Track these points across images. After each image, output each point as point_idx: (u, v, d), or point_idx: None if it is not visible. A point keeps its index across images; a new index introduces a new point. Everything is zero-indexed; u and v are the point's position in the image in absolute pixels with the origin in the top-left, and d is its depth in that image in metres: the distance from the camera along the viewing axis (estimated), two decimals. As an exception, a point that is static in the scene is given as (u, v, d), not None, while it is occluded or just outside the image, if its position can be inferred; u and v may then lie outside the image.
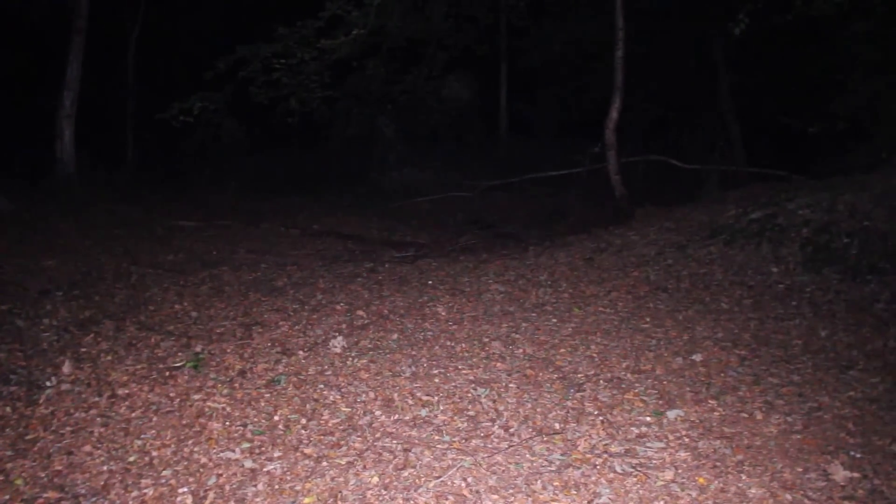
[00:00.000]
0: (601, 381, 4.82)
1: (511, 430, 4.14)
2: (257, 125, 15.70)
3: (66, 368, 4.87)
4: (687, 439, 4.01)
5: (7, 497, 3.47)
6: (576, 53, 15.58)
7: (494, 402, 4.52)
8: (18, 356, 5.14)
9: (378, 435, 4.09)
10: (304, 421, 4.27)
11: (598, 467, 3.72)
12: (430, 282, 7.13)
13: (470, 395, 4.62)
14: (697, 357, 5.16)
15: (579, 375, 4.93)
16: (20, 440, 4.01)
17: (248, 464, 3.80)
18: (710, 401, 4.48)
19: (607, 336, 5.66)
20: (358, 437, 4.07)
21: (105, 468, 3.76)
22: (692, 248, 7.59)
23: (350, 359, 5.16)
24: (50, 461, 3.81)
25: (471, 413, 4.37)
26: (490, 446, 3.96)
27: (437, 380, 4.84)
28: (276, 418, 4.30)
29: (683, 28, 14.17)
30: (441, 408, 4.44)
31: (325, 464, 3.78)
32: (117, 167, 15.31)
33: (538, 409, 4.42)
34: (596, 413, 4.35)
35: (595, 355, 5.28)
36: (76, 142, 13.07)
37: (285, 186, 14.02)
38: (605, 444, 3.95)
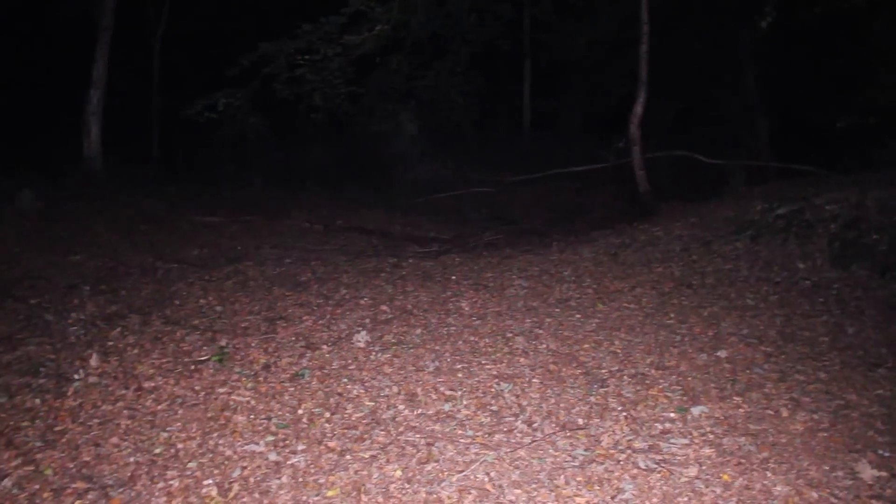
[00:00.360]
0: (625, 377, 4.80)
1: (534, 425, 4.14)
2: (281, 121, 15.75)
3: (94, 361, 4.93)
4: (711, 436, 3.98)
5: (37, 487, 3.52)
6: (599, 48, 15.50)
7: (518, 397, 4.52)
8: (47, 349, 5.20)
9: (401, 429, 4.10)
10: (327, 415, 4.29)
11: (621, 463, 3.71)
12: (453, 277, 7.14)
13: (493, 389, 4.62)
14: (722, 353, 5.13)
15: (603, 371, 4.92)
16: (49, 431, 4.06)
17: (273, 457, 3.82)
18: (735, 397, 4.45)
19: (631, 332, 5.63)
20: (381, 430, 4.08)
21: (132, 460, 3.80)
22: (717, 243, 7.53)
23: (374, 353, 5.18)
24: (78, 452, 3.86)
25: (494, 408, 4.38)
26: (513, 441, 3.96)
27: (460, 374, 4.85)
28: (300, 412, 4.33)
29: (709, 22, 14.03)
30: (464, 402, 4.45)
31: (348, 457, 3.80)
32: (143, 163, 15.46)
33: (561, 405, 4.41)
34: (619, 409, 4.34)
35: (619, 351, 5.26)
36: (103, 139, 13.23)
37: (309, 182, 14.05)
38: (629, 440, 3.94)
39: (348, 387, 4.65)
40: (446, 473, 3.63)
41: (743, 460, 3.71)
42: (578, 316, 6.01)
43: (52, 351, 5.17)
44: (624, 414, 4.27)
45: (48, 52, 16.20)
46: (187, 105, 11.77)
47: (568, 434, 4.04)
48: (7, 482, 3.54)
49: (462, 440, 3.97)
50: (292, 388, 4.62)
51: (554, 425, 4.15)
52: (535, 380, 4.77)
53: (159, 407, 4.38)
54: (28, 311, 6.00)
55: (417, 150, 16.03)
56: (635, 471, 3.64)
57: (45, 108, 15.70)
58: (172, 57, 17.29)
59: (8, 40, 16.06)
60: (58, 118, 14.92)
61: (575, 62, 16.54)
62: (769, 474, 3.57)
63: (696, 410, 4.28)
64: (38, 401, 4.39)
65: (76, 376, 4.71)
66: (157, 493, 3.50)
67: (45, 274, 7.17)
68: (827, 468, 3.63)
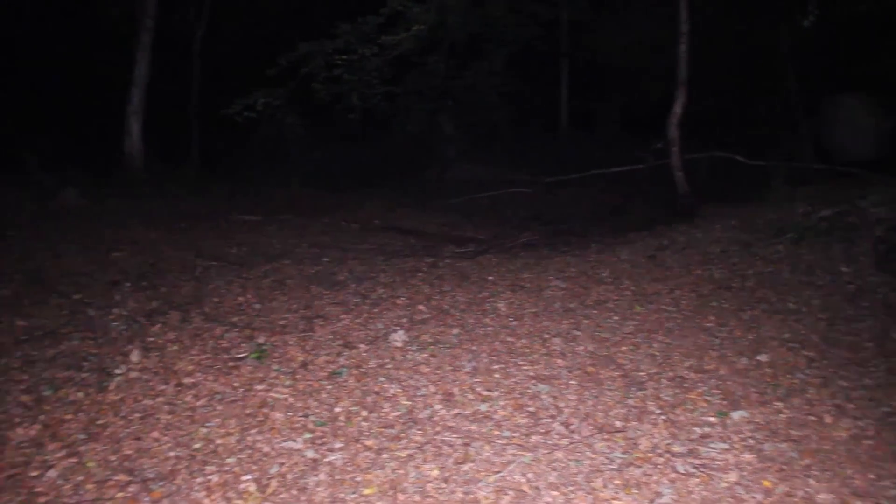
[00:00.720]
0: (663, 380, 4.76)
1: (571, 427, 4.12)
2: (318, 121, 15.86)
3: (135, 357, 4.99)
4: (752, 441, 3.93)
5: (80, 478, 3.58)
6: (638, 48, 15.37)
7: (555, 398, 4.50)
8: (90, 344, 5.28)
9: (438, 429, 4.10)
10: (364, 413, 4.31)
11: (659, 467, 3.67)
12: (490, 277, 7.12)
13: (530, 391, 4.61)
14: (763, 357, 5.06)
15: (641, 374, 4.88)
16: (92, 425, 4.12)
17: (310, 454, 3.85)
18: (776, 402, 4.38)
19: (670, 334, 5.58)
20: (418, 430, 4.09)
21: (172, 454, 3.84)
22: (758, 246, 7.43)
23: (410, 353, 5.19)
24: (120, 446, 3.91)
25: (531, 409, 4.36)
26: (550, 443, 3.94)
27: (497, 375, 4.84)
28: (337, 410, 4.35)
29: (750, 21, 13.83)
30: (501, 403, 4.44)
31: (385, 456, 3.81)
32: (182, 162, 15.66)
33: (599, 407, 4.39)
34: (658, 412, 4.30)
35: (657, 353, 5.22)
36: (143, 137, 13.43)
37: (346, 181, 14.11)
38: (668, 444, 3.91)
39: (385, 386, 4.66)
40: (483, 474, 3.62)
41: (785, 467, 3.65)
42: (616, 318, 5.97)
43: (95, 346, 5.24)
44: (662, 417, 4.23)
45: (91, 52, 16.48)
46: (226, 104, 11.88)
47: (606, 436, 4.01)
48: (52, 473, 3.61)
49: (499, 441, 3.97)
50: (330, 387, 4.64)
51: (591, 427, 4.12)
52: (572, 381, 4.75)
53: (199, 403, 4.42)
54: (71, 307, 6.10)
55: (454, 151, 16.03)
56: (674, 475, 3.60)
57: (88, 108, 16.00)
58: (212, 57, 17.50)
59: (53, 41, 16.40)
60: (100, 117, 15.18)
61: (612, 62, 16.41)
62: (812, 482, 3.51)
63: (736, 415, 4.23)
64: (81, 394, 4.46)
65: (118, 371, 4.77)
66: (196, 488, 3.54)
67: (88, 270, 7.28)
68: (873, 477, 3.56)
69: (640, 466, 3.68)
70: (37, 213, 9.81)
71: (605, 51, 16.07)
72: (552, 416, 4.26)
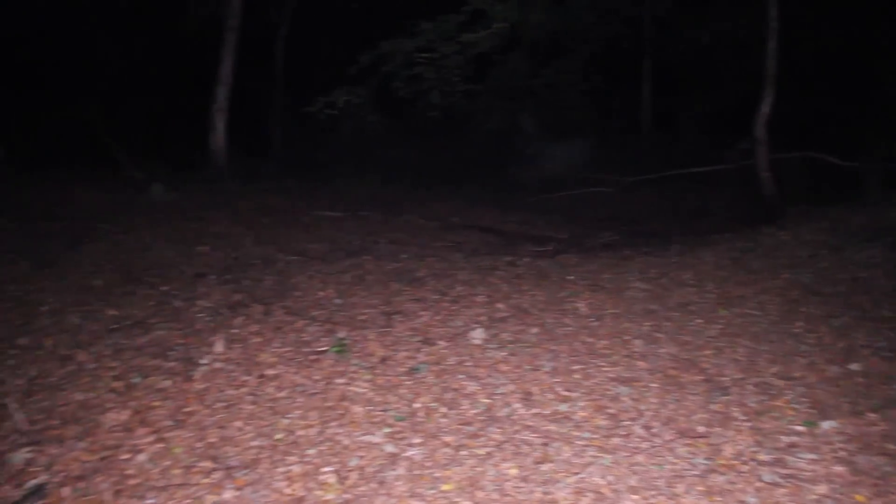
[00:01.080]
0: (748, 386, 4.63)
1: (653, 431, 4.06)
2: (398, 118, 16.00)
3: (219, 348, 5.12)
4: (843, 453, 3.79)
5: (168, 463, 3.70)
6: (724, 45, 14.98)
7: (636, 401, 4.43)
8: (176, 334, 5.45)
9: (517, 427, 4.09)
10: (443, 410, 4.32)
11: (744, 475, 3.58)
12: (570, 277, 7.06)
13: (610, 392, 4.55)
14: (855, 366, 4.87)
15: (725, 379, 4.76)
16: (178, 412, 4.24)
17: (389, 448, 3.88)
18: (869, 414, 4.21)
19: (755, 339, 5.42)
20: (497, 428, 4.08)
21: (254, 443, 3.92)
22: (850, 250, 7.15)
23: (489, 350, 5.18)
24: (205, 433, 4.01)
25: (611, 411, 4.31)
26: (631, 446, 3.89)
27: (577, 376, 4.80)
28: (416, 405, 4.38)
29: (843, 14, 13.33)
30: (581, 404, 4.40)
31: (464, 453, 3.82)
32: (265, 158, 16.02)
33: (681, 411, 4.30)
34: (743, 419, 4.19)
35: (742, 358, 5.08)
36: (227, 134, 13.79)
37: (425, 179, 14.20)
38: (753, 452, 3.80)
39: (464, 383, 4.67)
40: (562, 475, 3.60)
41: (880, 482, 3.51)
42: (699, 321, 5.83)
43: (181, 336, 5.41)
44: (747, 424, 4.12)
45: (178, 51, 17.00)
46: (308, 102, 12.09)
47: (688, 442, 3.93)
48: (142, 457, 3.73)
49: (578, 442, 3.93)
50: (409, 382, 4.67)
51: (673, 432, 4.04)
52: (653, 384, 4.67)
53: (280, 394, 4.50)
54: (159, 298, 6.31)
55: (533, 149, 15.94)
56: (759, 484, 3.50)
57: (175, 106, 16.52)
58: (294, 55, 17.83)
59: (141, 40, 16.99)
60: (187, 115, 15.65)
61: (696, 60, 16.04)
62: (910, 498, 3.37)
63: (825, 425, 4.08)
64: (168, 382, 4.60)
65: (203, 361, 4.90)
66: (278, 477, 3.61)
67: (175, 263, 7.51)
68: (974, 494, 3.40)
69: (723, 474, 3.59)
70: (126, 207, 10.17)
71: (689, 48, 15.72)
72: (633, 419, 4.20)
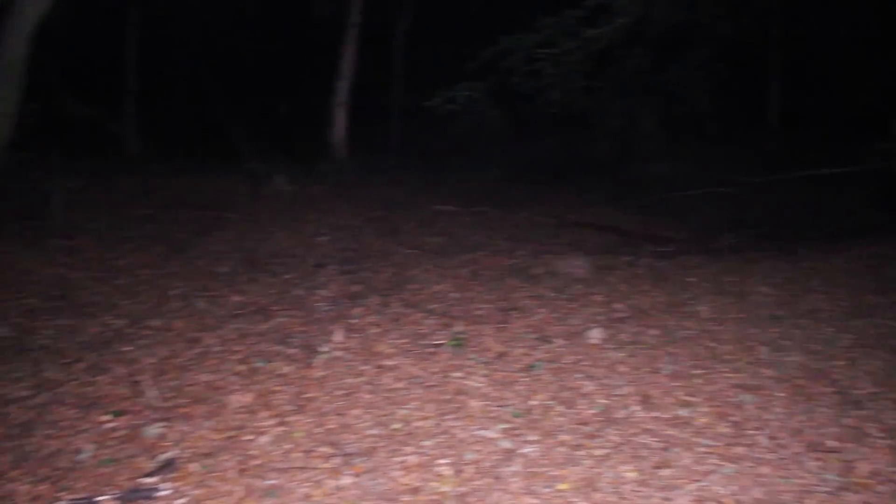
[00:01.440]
0: (885, 401, 4.38)
1: (779, 442, 3.89)
2: (516, 114, 15.94)
3: (338, 337, 5.25)
4: None
5: (289, 447, 3.81)
6: (858, 40, 14.20)
7: (761, 409, 4.26)
8: (297, 322, 5.63)
9: (635, 430, 4.01)
10: (560, 408, 4.28)
11: (882, 495, 3.39)
12: (691, 279, 6.86)
13: (733, 399, 4.40)
14: None
15: (858, 392, 4.52)
16: (299, 397, 4.37)
17: (505, 444, 3.87)
18: None
19: (893, 352, 5.12)
20: (615, 429, 4.01)
21: (372, 432, 3.99)
22: None
23: (608, 351, 5.10)
24: (324, 419, 4.11)
25: (734, 419, 4.16)
26: (755, 456, 3.74)
27: (698, 380, 4.66)
28: (532, 403, 4.35)
29: None
30: (702, 410, 4.27)
31: (581, 453, 3.77)
32: (383, 153, 16.29)
33: (810, 423, 4.11)
34: (879, 436, 3.96)
35: (878, 372, 4.81)
36: (348, 128, 14.11)
37: (542, 175, 14.09)
38: (891, 471, 3.59)
39: (581, 382, 4.61)
40: (682, 481, 3.50)
41: None
42: (830, 330, 5.56)
43: (301, 324, 5.58)
44: (884, 441, 3.89)
45: (301, 48, 17.52)
46: (427, 97, 12.20)
47: (818, 456, 3.75)
48: (264, 439, 3.87)
49: (699, 448, 3.81)
50: (525, 379, 4.66)
51: (801, 444, 3.86)
52: (780, 394, 4.48)
53: (398, 385, 4.57)
54: (280, 286, 6.53)
55: (654, 147, 15.55)
56: (898, 506, 3.31)
57: (297, 101, 17.06)
58: (414, 50, 18.04)
59: (268, 39, 17.62)
60: (308, 110, 16.13)
61: (831, 55, 15.27)
62: None
63: (972, 446, 3.81)
64: (289, 368, 4.75)
65: (322, 349, 5.04)
66: (394, 466, 3.65)
67: (295, 252, 7.76)
68: None
69: (857, 492, 3.41)
70: (250, 198, 10.56)
71: (821, 43, 14.98)
72: (757, 429, 4.04)
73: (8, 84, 7.73)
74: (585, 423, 4.09)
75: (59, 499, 3.26)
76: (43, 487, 3.35)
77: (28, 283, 6.22)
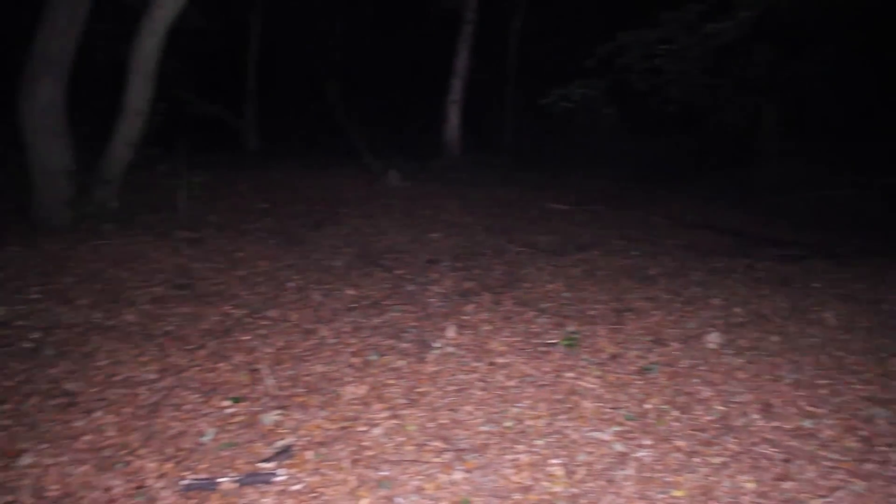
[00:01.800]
0: None
1: (915, 461, 3.66)
2: (630, 112, 15.67)
3: (451, 333, 5.28)
4: None
5: (402, 439, 3.85)
6: None
7: (894, 425, 4.02)
8: (410, 316, 5.69)
9: (755, 439, 3.85)
10: (675, 413, 4.16)
11: None
12: (816, 284, 6.56)
13: (863, 413, 4.17)
14: None
15: None
16: (412, 391, 4.41)
17: (618, 447, 3.80)
18: None
19: None
20: (733, 437, 3.87)
21: (484, 429, 3.98)
22: None
23: (726, 356, 4.93)
24: (436, 414, 4.13)
25: (863, 433, 3.94)
26: (888, 475, 3.53)
27: (823, 391, 4.44)
28: (646, 406, 4.25)
29: None
30: (827, 422, 4.06)
31: (697, 460, 3.66)
32: (496, 150, 16.31)
33: (950, 443, 3.85)
34: None
35: None
36: (461, 126, 14.20)
37: (656, 174, 13.79)
38: None
39: (698, 388, 4.47)
40: (806, 495, 3.34)
41: None
42: (971, 342, 5.20)
43: (414, 318, 5.64)
44: None
45: (415, 47, 17.73)
46: (541, 94, 12.15)
47: (957, 477, 3.51)
48: (377, 431, 3.92)
49: (824, 462, 3.63)
50: (640, 382, 4.56)
51: (939, 464, 3.63)
52: (915, 409, 4.22)
53: (509, 383, 4.54)
54: (393, 281, 6.63)
55: (776, 146, 14.95)
56: None
57: (411, 99, 17.27)
58: (528, 48, 17.96)
59: (382, 36, 17.92)
60: (422, 107, 16.31)
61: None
62: None
63: None
64: (402, 362, 4.80)
65: (435, 344, 5.07)
66: (506, 464, 3.63)
67: (408, 248, 7.86)
68: None
69: None
70: (364, 194, 10.78)
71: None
72: (890, 445, 3.81)
73: (141, 83, 8.15)
74: (702, 430, 3.97)
75: (182, 478, 3.41)
76: (168, 466, 3.51)
77: (155, 272, 6.53)
